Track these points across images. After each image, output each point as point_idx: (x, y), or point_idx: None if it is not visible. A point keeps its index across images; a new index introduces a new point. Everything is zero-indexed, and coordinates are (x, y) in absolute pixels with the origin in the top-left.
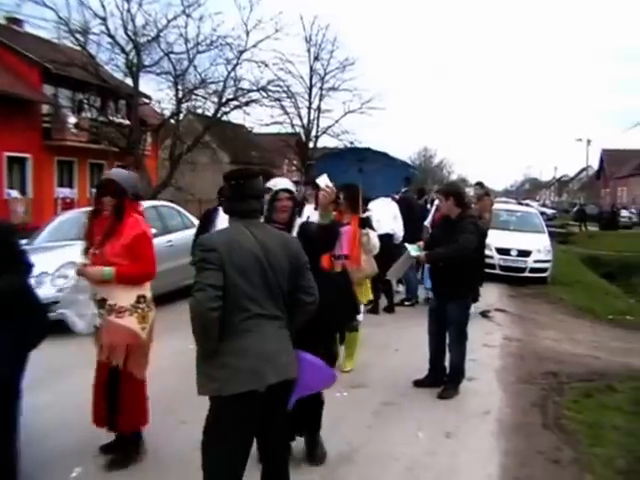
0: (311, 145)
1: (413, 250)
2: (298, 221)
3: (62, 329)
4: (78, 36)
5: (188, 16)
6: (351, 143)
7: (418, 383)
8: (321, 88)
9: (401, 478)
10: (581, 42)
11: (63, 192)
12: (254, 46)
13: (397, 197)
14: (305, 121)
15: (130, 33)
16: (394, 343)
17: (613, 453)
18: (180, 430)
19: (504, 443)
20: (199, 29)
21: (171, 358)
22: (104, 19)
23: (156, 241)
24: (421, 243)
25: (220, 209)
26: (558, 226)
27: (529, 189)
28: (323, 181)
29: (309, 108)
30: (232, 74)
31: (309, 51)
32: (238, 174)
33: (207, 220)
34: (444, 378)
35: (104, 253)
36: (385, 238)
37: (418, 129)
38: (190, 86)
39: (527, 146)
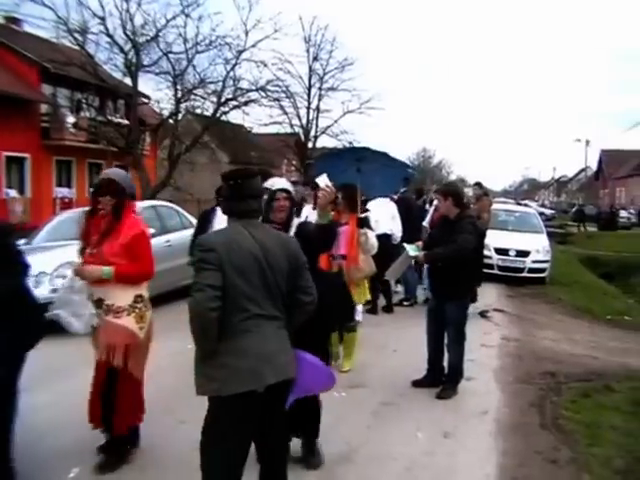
0: (310, 145)
1: (412, 250)
2: (296, 221)
3: (60, 329)
4: (77, 36)
5: (187, 16)
6: (350, 143)
7: (417, 383)
8: (320, 88)
9: (399, 478)
10: (581, 42)
11: (62, 192)
12: (253, 46)
13: (395, 197)
14: (304, 121)
15: (129, 33)
16: (393, 343)
17: (611, 453)
18: (179, 430)
19: (502, 443)
20: (198, 29)
21: (170, 358)
22: (103, 19)
23: (155, 241)
24: (420, 243)
25: (218, 209)
26: (557, 226)
27: (528, 189)
28: (323, 181)
29: (308, 108)
30: (231, 74)
31: (308, 51)
32: (236, 174)
33: (205, 220)
34: (442, 378)
35: (102, 252)
36: (383, 238)
37: (417, 129)
38: (189, 86)
39: (526, 146)
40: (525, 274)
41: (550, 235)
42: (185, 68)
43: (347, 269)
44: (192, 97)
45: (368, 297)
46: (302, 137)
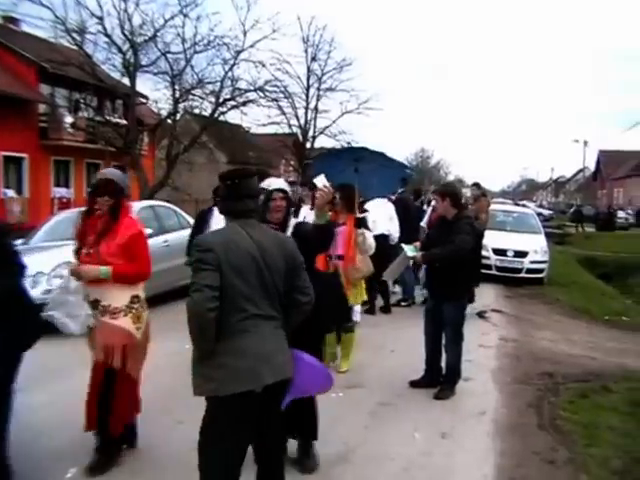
0: (308, 145)
1: (409, 251)
2: (293, 221)
3: (55, 330)
4: (75, 35)
5: (185, 16)
6: (348, 143)
7: (414, 383)
8: (318, 88)
9: (397, 478)
10: (580, 42)
11: (59, 192)
12: (251, 46)
13: (393, 198)
14: (302, 121)
15: (127, 33)
16: (390, 344)
17: (608, 453)
18: (177, 430)
19: (500, 443)
20: (196, 29)
21: (167, 358)
22: (101, 18)
23: (152, 241)
24: (417, 244)
25: (214, 209)
26: (555, 227)
27: (526, 190)
28: (320, 181)
29: (306, 108)
30: (229, 74)
31: (306, 51)
32: (234, 174)
33: (202, 220)
34: (440, 379)
35: (99, 252)
36: (381, 239)
37: (415, 130)
38: (187, 86)
39: (524, 147)
40: (523, 275)
41: (548, 235)
42: (183, 68)
43: (345, 269)
44: (190, 97)
45: (365, 297)
46: (300, 137)
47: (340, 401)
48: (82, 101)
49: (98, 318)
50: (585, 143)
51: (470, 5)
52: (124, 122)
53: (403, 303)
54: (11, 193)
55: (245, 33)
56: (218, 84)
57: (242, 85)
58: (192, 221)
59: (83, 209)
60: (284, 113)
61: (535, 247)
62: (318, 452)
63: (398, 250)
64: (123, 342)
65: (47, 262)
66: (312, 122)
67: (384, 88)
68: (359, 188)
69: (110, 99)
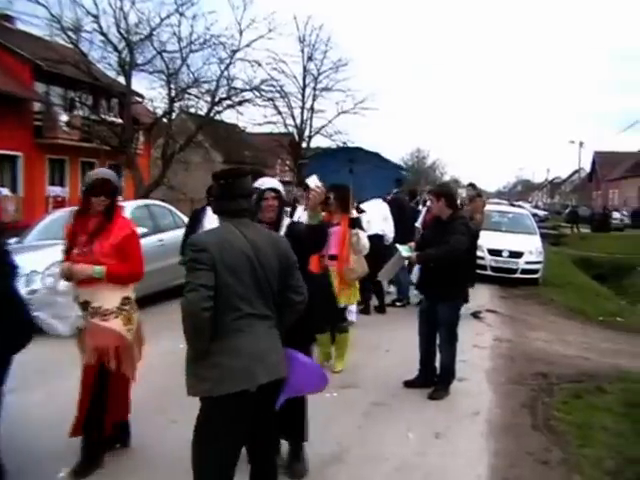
0: (304, 145)
1: (404, 251)
2: (286, 221)
3: (40, 330)
4: (70, 34)
5: (181, 15)
6: (344, 143)
7: (409, 384)
8: (314, 88)
9: (390, 478)
10: (576, 42)
11: (54, 190)
12: (247, 45)
13: (388, 198)
14: (298, 121)
15: (123, 31)
16: (385, 344)
17: (602, 454)
18: (170, 430)
19: (493, 444)
20: (192, 28)
21: (161, 357)
22: (96, 17)
23: (147, 240)
24: (412, 244)
25: (208, 209)
26: (550, 227)
27: (521, 191)
28: (312, 181)
29: (302, 108)
30: (225, 73)
31: (303, 51)
32: (227, 173)
33: (195, 220)
34: (434, 379)
35: (93, 252)
36: (375, 239)
37: (411, 130)
38: (183, 85)
39: (520, 148)
40: (518, 275)
41: (543, 236)
42: (179, 67)
43: (339, 270)
44: (186, 96)
45: (358, 298)
46: (296, 137)
47: (334, 401)
48: (77, 100)
49: (88, 320)
50: (581, 144)
51: (465, 7)
52: (119, 121)
53: (398, 303)
54: (5, 191)
55: (241, 32)
56: (214, 83)
57: (238, 84)
58: (187, 220)
59: (76, 208)
60: (280, 113)
61: (530, 248)
62: (308, 455)
63: (393, 250)
64: (115, 344)
65: (41, 261)
66: (308, 122)
67: (380, 88)
68: (353, 189)
69: (105, 98)
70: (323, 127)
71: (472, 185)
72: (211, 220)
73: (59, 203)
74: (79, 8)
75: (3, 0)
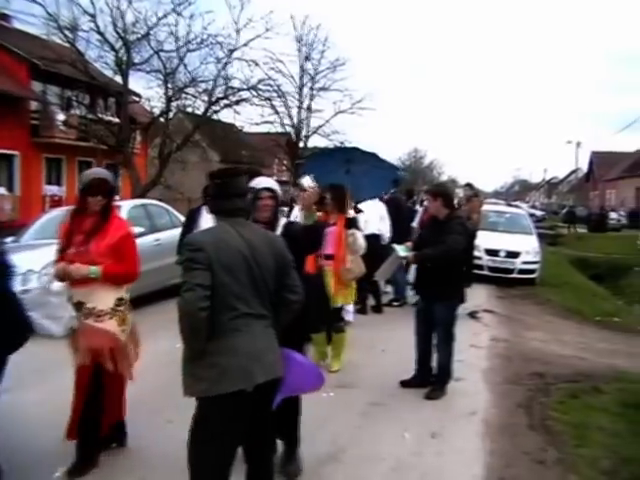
0: (301, 145)
1: (401, 251)
2: (282, 221)
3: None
4: (67, 33)
5: (178, 14)
6: (341, 143)
7: (405, 383)
8: (312, 88)
9: (387, 478)
10: (573, 43)
11: (51, 190)
12: (245, 45)
13: (385, 197)
14: (295, 121)
15: (120, 30)
16: (382, 343)
17: (598, 454)
18: (166, 430)
19: (490, 443)
20: (189, 27)
21: (158, 357)
22: (93, 16)
23: (144, 240)
24: (409, 244)
25: (203, 209)
26: (547, 228)
27: (519, 191)
28: (306, 182)
29: (299, 108)
30: (222, 73)
31: (300, 51)
32: (223, 173)
33: (191, 220)
34: (431, 379)
35: (89, 252)
36: (372, 239)
37: (409, 130)
38: (180, 84)
39: (517, 148)
40: (515, 275)
41: (540, 236)
42: (176, 67)
43: (336, 270)
44: (183, 96)
45: (355, 297)
46: (293, 137)
47: (331, 401)
48: (74, 99)
49: (82, 320)
50: (578, 144)
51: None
52: (116, 120)
53: (395, 303)
54: (2, 190)
55: (238, 32)
56: (211, 83)
57: (235, 84)
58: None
59: (72, 208)
60: (277, 112)
61: (527, 248)
62: (303, 455)
63: (389, 250)
64: (109, 345)
65: (38, 260)
66: (305, 121)
67: (377, 87)
68: (350, 190)
69: (102, 97)
70: (320, 127)
71: (469, 185)
72: (207, 220)
73: (56, 202)
74: (76, 7)
75: None
